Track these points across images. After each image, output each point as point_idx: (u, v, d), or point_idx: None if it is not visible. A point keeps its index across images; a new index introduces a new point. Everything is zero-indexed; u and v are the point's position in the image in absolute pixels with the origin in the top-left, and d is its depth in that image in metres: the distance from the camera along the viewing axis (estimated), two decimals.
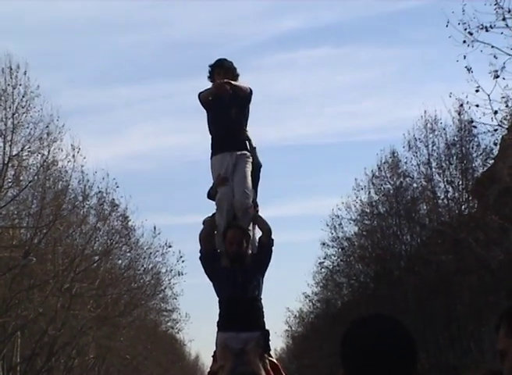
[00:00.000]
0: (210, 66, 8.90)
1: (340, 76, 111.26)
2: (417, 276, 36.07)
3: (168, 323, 58.91)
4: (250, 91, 8.78)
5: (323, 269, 50.77)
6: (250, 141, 8.85)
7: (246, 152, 8.67)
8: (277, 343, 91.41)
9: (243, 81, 8.91)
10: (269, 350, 8.31)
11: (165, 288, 47.22)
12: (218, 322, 8.20)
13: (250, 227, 8.58)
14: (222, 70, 8.77)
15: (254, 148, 8.89)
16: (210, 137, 8.86)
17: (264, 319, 8.29)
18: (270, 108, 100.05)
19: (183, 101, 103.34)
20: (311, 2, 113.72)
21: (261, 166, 8.98)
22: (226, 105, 8.58)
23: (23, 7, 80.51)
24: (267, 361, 8.02)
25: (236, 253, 8.20)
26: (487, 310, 33.38)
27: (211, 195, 8.79)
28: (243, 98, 8.71)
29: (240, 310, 8.01)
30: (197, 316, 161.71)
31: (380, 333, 2.56)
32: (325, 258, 47.68)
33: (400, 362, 2.52)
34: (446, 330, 35.78)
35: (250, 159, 8.68)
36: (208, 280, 8.42)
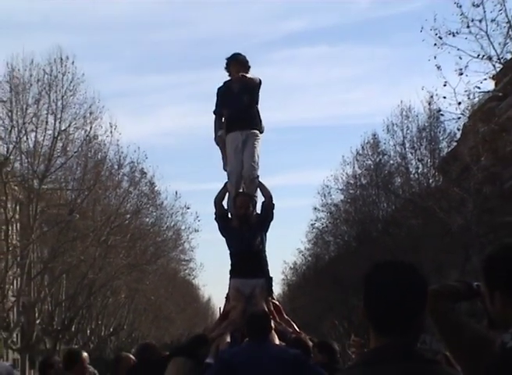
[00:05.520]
0: (227, 59, 8.81)
1: (334, 71, 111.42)
2: (391, 237, 36.13)
3: (186, 271, 58.87)
4: (260, 80, 8.71)
5: (314, 230, 50.80)
6: (259, 115, 8.79)
7: (255, 131, 8.62)
8: (275, 289, 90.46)
9: (254, 73, 8.87)
10: (272, 293, 8.38)
11: (184, 242, 47.23)
12: (230, 270, 8.23)
13: (256, 193, 8.57)
14: (237, 63, 8.67)
15: (260, 121, 8.84)
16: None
17: (268, 268, 8.34)
18: (276, 96, 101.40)
19: (204, 88, 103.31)
20: (314, 6, 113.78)
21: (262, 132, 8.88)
22: (238, 92, 8.55)
23: (73, 6, 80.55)
24: (271, 303, 8.08)
25: (243, 215, 8.18)
26: (447, 266, 33.54)
27: (217, 143, 8.75)
28: (254, 86, 8.66)
29: (248, 261, 8.05)
30: (209, 265, 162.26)
31: (397, 277, 2.47)
32: (316, 220, 47.75)
33: (413, 301, 2.44)
34: None
35: (259, 137, 8.64)
36: (220, 236, 8.41)
